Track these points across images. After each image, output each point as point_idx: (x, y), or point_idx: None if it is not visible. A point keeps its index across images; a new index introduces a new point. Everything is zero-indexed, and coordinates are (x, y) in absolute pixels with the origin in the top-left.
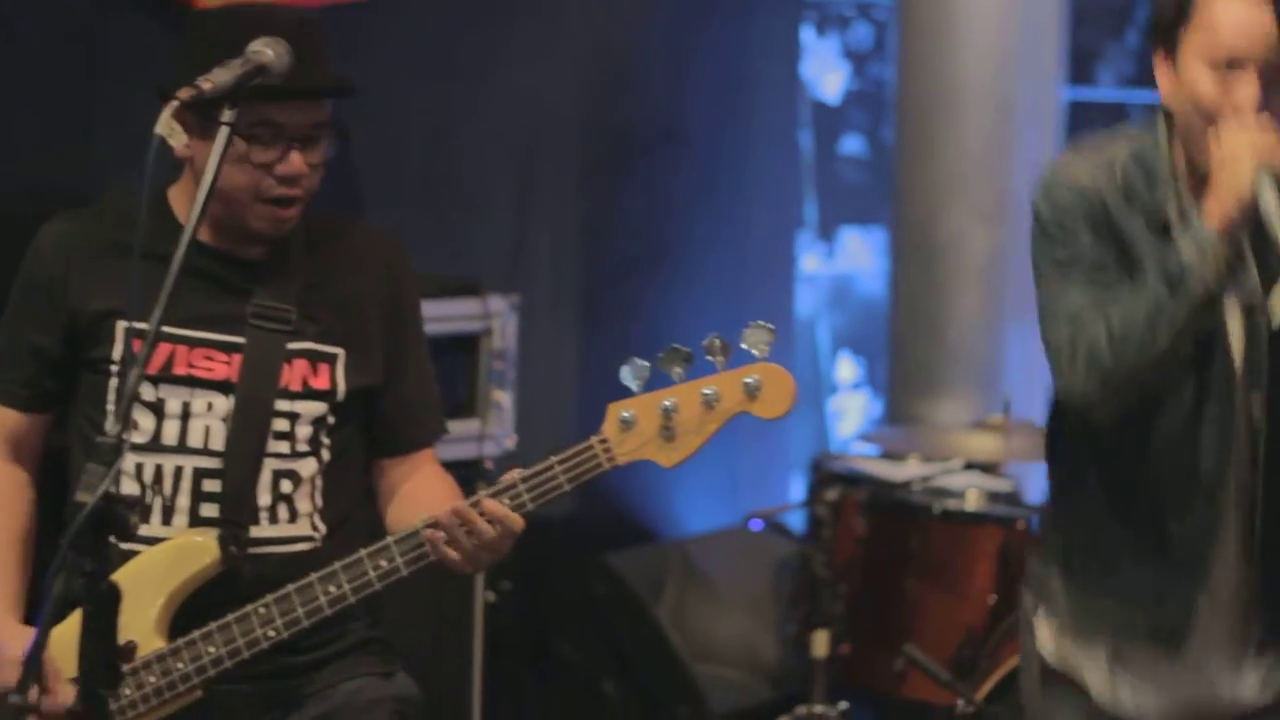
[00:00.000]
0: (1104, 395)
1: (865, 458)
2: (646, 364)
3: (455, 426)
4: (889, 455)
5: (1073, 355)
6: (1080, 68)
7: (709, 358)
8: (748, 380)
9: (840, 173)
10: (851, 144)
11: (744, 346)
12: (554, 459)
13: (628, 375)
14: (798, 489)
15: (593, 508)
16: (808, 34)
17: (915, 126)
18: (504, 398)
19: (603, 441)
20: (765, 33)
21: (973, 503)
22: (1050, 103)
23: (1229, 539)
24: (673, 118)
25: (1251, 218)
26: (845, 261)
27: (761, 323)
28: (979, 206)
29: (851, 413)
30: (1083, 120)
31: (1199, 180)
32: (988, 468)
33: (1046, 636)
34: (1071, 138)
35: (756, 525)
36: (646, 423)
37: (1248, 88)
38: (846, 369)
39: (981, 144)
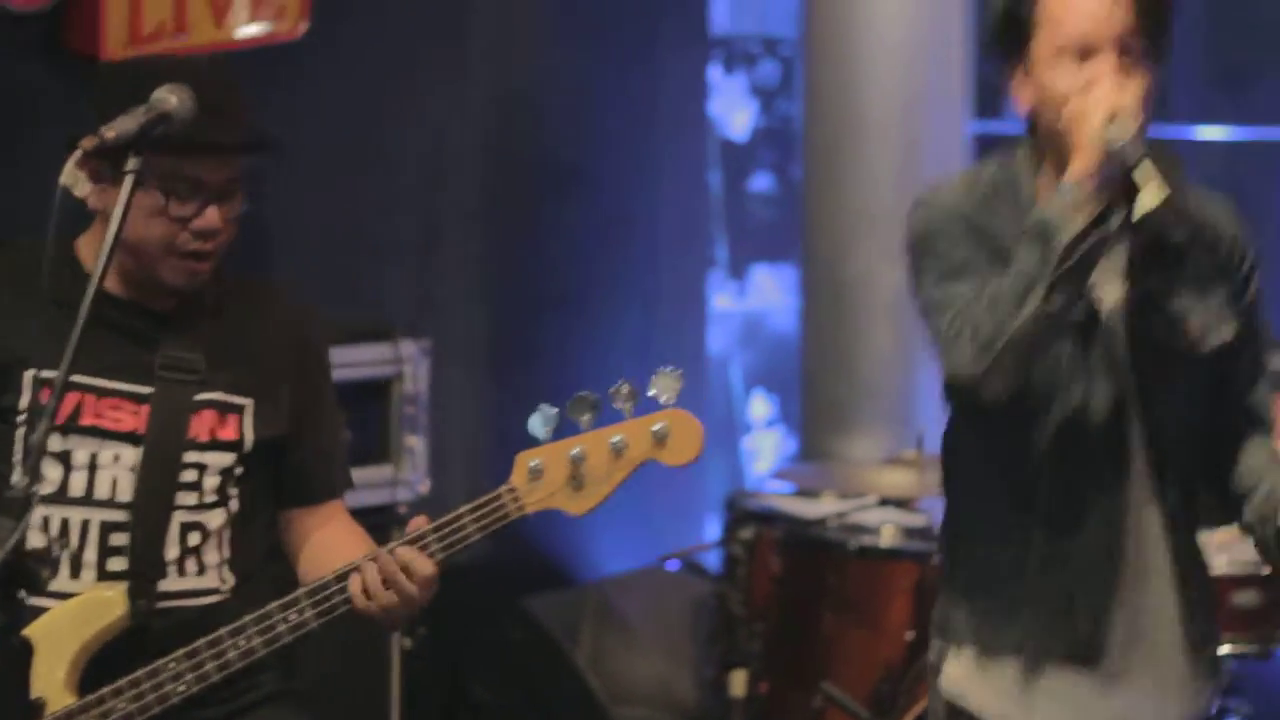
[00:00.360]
0: (987, 366)
1: (780, 495)
2: (555, 411)
3: (368, 473)
4: (804, 493)
5: (956, 335)
6: (986, 101)
7: (616, 405)
8: (656, 428)
9: (750, 210)
10: (761, 181)
11: (651, 393)
12: (463, 509)
13: (536, 424)
14: (713, 528)
15: (508, 552)
16: (715, 72)
17: (823, 163)
18: (416, 443)
19: (511, 491)
20: (672, 72)
21: (888, 539)
22: (957, 137)
23: (1142, 533)
24: (581, 159)
25: (1114, 172)
26: (756, 299)
27: (669, 369)
28: (888, 242)
29: (766, 451)
30: (990, 154)
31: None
32: (902, 503)
33: (955, 674)
34: None
35: (672, 565)
36: (555, 472)
37: (1104, 66)
38: (760, 407)
39: (890, 180)
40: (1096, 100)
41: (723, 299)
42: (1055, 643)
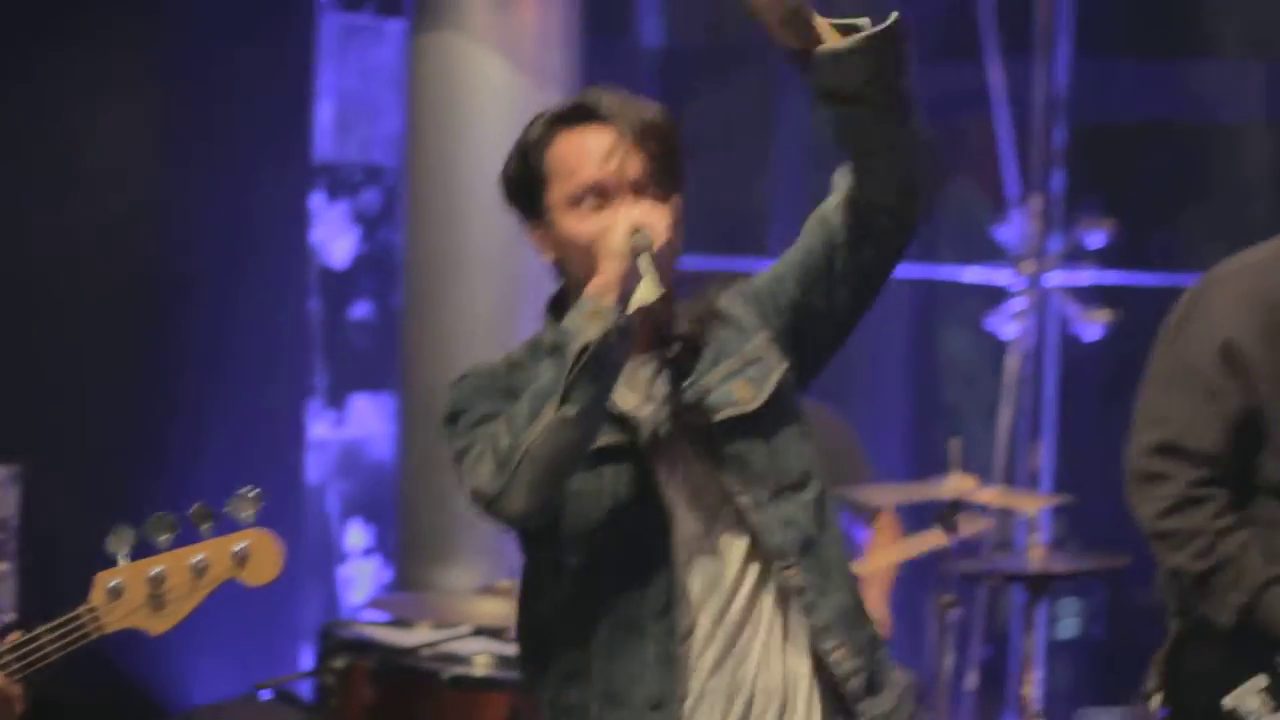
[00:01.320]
0: (505, 481)
1: (375, 624)
2: (133, 531)
3: None
4: (398, 622)
5: (478, 459)
6: None
7: (195, 525)
8: (236, 548)
9: (350, 338)
10: (361, 309)
11: (228, 512)
12: (42, 629)
13: (113, 544)
14: (307, 657)
15: (97, 682)
16: (318, 198)
17: (423, 292)
18: (4, 568)
19: (91, 610)
20: (274, 197)
21: (481, 668)
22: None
23: (738, 641)
24: (180, 282)
25: (634, 281)
26: (355, 428)
27: (246, 490)
28: None
29: (362, 580)
30: None
31: None
32: (496, 633)
33: None
34: None
35: (265, 695)
36: (134, 591)
37: (622, 208)
38: (356, 535)
39: (490, 311)
40: (619, 217)
41: (321, 427)
42: None
